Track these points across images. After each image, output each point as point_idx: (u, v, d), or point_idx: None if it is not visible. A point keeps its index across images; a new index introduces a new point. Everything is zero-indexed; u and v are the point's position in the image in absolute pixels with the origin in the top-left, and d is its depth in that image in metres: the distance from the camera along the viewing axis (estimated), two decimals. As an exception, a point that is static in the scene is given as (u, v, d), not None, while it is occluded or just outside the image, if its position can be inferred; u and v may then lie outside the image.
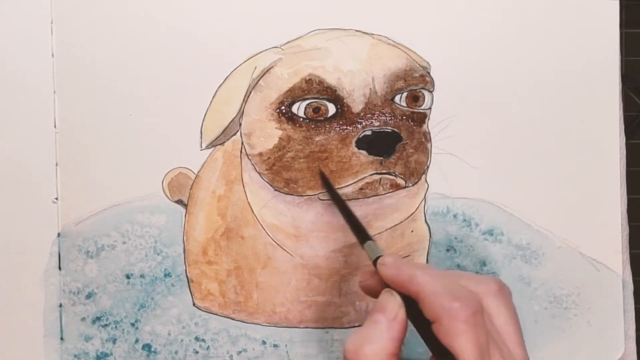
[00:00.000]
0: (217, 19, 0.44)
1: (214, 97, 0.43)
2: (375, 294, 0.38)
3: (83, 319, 0.44)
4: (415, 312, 0.35)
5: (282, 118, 0.43)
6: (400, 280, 0.36)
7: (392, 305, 0.36)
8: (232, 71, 0.43)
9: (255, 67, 0.43)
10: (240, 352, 0.44)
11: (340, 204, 0.42)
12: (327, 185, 0.43)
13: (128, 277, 0.44)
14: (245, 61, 0.43)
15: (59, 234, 0.44)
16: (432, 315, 0.34)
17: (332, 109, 0.43)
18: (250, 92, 0.43)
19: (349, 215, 0.41)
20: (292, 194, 0.44)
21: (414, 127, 0.44)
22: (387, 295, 0.37)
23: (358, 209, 0.44)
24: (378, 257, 0.37)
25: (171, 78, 0.43)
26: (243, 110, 0.44)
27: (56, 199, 0.43)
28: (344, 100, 0.43)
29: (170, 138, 0.44)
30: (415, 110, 0.44)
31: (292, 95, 0.43)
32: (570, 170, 0.45)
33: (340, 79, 0.43)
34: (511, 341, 0.36)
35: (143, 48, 0.43)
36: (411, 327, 0.36)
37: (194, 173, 0.44)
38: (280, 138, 0.43)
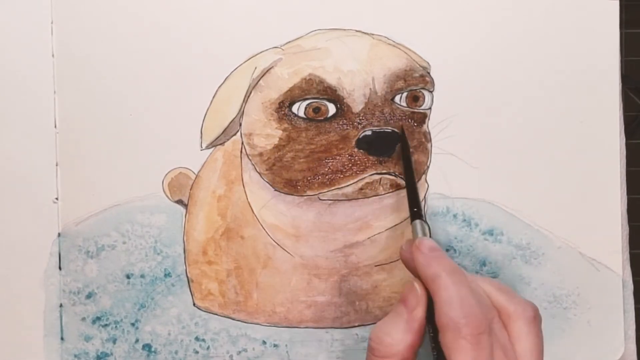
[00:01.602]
0: (217, 19, 0.44)
1: (214, 97, 0.43)
2: (410, 269, 0.39)
3: (83, 319, 0.44)
4: (432, 313, 0.36)
5: (282, 118, 0.43)
6: (424, 275, 0.37)
7: (412, 299, 0.37)
8: (233, 71, 0.43)
9: (256, 67, 0.43)
10: (240, 352, 0.44)
11: (409, 172, 0.42)
12: (405, 146, 0.43)
13: (128, 277, 0.44)
14: (246, 61, 0.43)
15: (59, 234, 0.44)
16: (440, 322, 0.35)
17: (332, 109, 0.43)
18: (251, 92, 0.43)
19: (412, 186, 0.41)
20: (292, 194, 0.44)
21: (414, 127, 0.44)
22: (410, 286, 0.37)
23: (358, 209, 0.44)
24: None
25: (171, 78, 0.43)
26: (243, 111, 0.44)
27: (56, 199, 0.44)
28: (344, 100, 0.43)
29: (170, 138, 0.44)
30: (415, 110, 0.44)
31: (292, 96, 0.43)
32: (570, 171, 0.45)
33: (340, 79, 0.43)
34: None
35: (143, 48, 0.43)
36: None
37: (194, 173, 0.44)
38: (280, 138, 0.43)
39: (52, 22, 0.43)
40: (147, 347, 0.44)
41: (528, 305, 0.37)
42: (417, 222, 0.40)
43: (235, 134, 0.44)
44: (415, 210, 0.41)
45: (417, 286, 0.37)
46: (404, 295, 0.37)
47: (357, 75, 0.43)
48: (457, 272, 0.37)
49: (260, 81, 0.43)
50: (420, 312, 0.37)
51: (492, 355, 0.34)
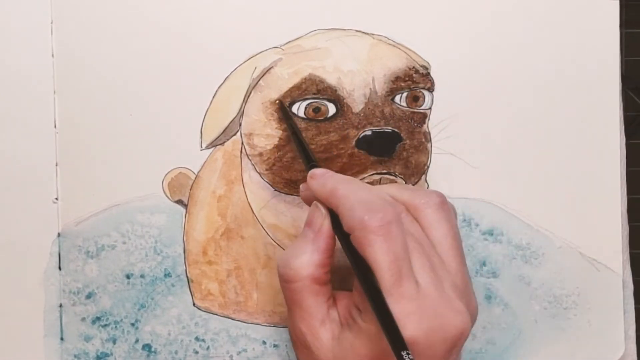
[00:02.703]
0: (217, 19, 0.44)
1: (214, 97, 0.43)
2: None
3: (83, 319, 0.44)
4: (338, 224, 0.36)
5: (283, 118, 0.43)
6: (323, 192, 0.37)
7: (316, 218, 0.37)
8: (232, 71, 0.43)
9: (256, 67, 0.43)
10: (240, 352, 0.44)
11: (294, 130, 0.42)
12: (285, 113, 0.43)
13: (128, 277, 0.44)
14: (246, 61, 0.43)
15: (59, 234, 0.44)
16: (348, 226, 0.35)
17: (332, 109, 0.43)
18: (251, 92, 0.43)
19: (301, 142, 0.41)
20: (292, 194, 0.44)
21: (414, 127, 0.44)
22: (313, 208, 0.38)
23: (358, 209, 0.44)
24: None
25: (171, 78, 0.43)
26: (243, 111, 0.44)
27: (56, 199, 0.43)
28: (344, 101, 0.43)
29: (170, 138, 0.44)
30: (416, 110, 0.44)
31: (292, 96, 0.43)
32: (571, 171, 0.45)
33: (341, 79, 0.43)
34: (447, 254, 0.37)
35: (143, 48, 0.43)
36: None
37: (194, 173, 0.44)
38: (280, 138, 0.43)
39: (52, 22, 0.43)
40: (147, 347, 0.44)
41: (433, 193, 0.38)
42: (312, 165, 0.40)
43: (235, 134, 0.44)
44: (309, 161, 0.40)
45: (319, 206, 0.38)
46: (308, 218, 0.38)
47: (357, 75, 0.43)
48: (354, 181, 0.38)
49: (260, 81, 0.43)
50: (326, 227, 0.37)
51: (406, 245, 0.35)
